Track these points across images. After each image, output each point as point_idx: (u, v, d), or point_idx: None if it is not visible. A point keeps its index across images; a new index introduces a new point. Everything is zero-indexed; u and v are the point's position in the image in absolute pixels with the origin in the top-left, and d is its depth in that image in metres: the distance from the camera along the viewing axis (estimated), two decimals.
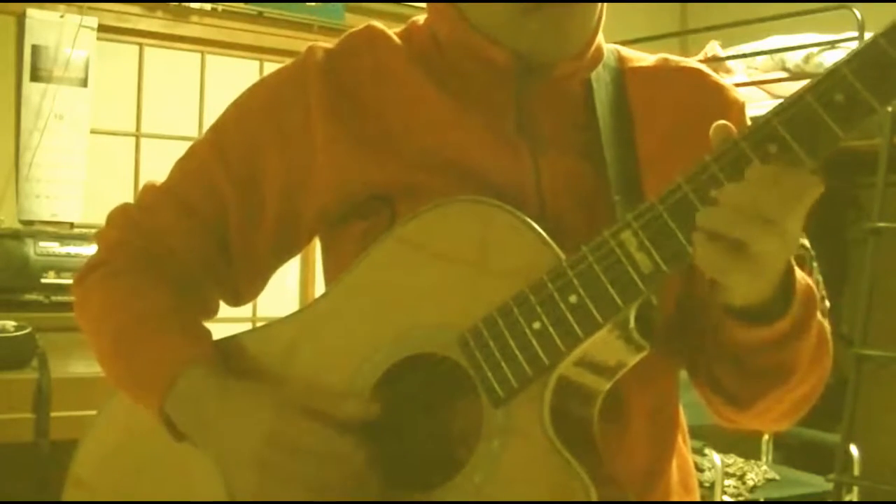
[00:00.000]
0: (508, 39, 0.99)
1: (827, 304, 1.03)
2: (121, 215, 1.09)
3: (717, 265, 0.80)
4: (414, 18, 1.08)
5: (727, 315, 0.89)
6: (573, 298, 0.84)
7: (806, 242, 1.03)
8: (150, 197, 1.08)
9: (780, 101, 0.80)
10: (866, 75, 0.76)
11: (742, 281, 0.82)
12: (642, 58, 1.09)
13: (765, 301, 0.86)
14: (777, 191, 0.77)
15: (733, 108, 1.04)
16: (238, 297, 1.10)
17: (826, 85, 0.77)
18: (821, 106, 0.77)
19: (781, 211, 0.78)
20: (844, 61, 0.77)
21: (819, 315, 0.93)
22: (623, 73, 1.05)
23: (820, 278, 1.02)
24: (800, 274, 0.90)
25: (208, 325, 1.04)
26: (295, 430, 0.89)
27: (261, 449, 0.89)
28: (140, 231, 1.06)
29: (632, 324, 0.84)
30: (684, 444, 1.07)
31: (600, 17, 1.03)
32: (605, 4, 1.03)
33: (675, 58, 1.09)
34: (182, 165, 1.09)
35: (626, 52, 1.09)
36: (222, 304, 1.11)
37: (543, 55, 0.99)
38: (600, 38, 1.05)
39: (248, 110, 1.07)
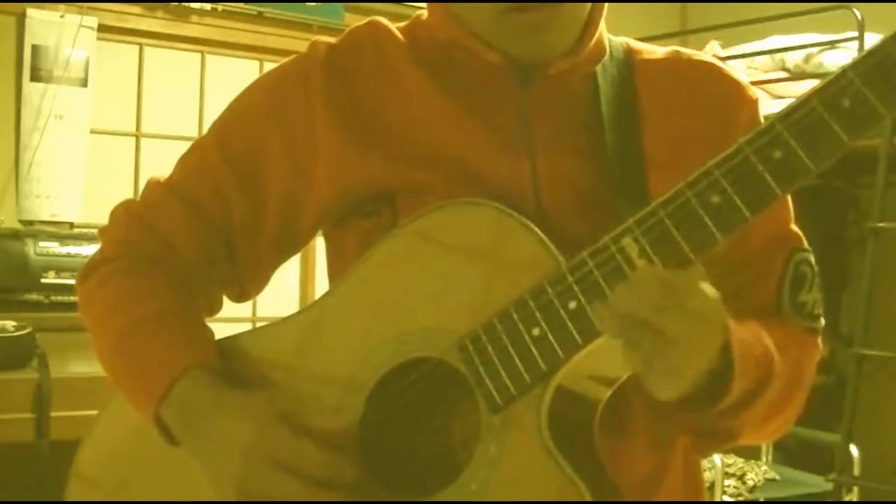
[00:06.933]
0: (494, 41, 0.97)
1: (822, 321, 1.01)
2: (125, 212, 1.08)
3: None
4: (418, 13, 1.07)
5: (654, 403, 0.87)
6: (573, 304, 0.83)
7: (811, 258, 1.01)
8: (153, 194, 1.08)
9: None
10: (874, 81, 0.75)
11: (662, 378, 0.79)
12: (653, 50, 1.06)
13: (695, 390, 0.82)
14: (666, 289, 0.76)
15: (746, 106, 1.02)
16: (242, 293, 1.10)
17: (833, 90, 0.76)
18: (827, 111, 0.76)
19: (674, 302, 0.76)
20: (851, 65, 0.76)
21: (773, 384, 0.89)
22: (632, 66, 1.03)
23: (819, 296, 1.00)
24: (753, 351, 0.86)
25: (209, 324, 1.04)
26: (271, 448, 0.88)
27: (238, 465, 0.89)
28: (144, 228, 1.06)
29: None
30: None
31: (598, 12, 1.01)
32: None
33: (688, 51, 1.07)
34: (186, 161, 1.09)
35: (637, 44, 1.07)
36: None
37: (529, 56, 0.97)
38: (602, 31, 1.02)
39: (250, 106, 1.07)
